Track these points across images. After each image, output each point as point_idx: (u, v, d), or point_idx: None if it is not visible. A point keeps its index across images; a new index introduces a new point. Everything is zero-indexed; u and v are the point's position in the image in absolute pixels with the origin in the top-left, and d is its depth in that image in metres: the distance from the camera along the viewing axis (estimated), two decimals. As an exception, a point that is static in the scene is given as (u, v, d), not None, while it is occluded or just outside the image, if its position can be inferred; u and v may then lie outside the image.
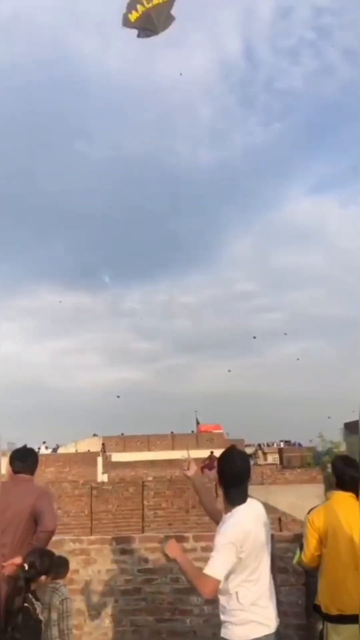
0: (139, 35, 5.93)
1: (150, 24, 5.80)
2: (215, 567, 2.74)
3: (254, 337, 47.25)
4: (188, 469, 3.47)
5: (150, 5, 5.65)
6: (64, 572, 4.16)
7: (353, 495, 3.48)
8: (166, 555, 2.89)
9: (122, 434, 44.90)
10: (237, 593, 2.80)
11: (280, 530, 13.58)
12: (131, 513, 18.85)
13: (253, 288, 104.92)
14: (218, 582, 2.73)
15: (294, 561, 3.98)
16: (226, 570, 2.76)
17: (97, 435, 44.03)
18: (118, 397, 50.85)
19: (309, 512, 3.60)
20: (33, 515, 3.66)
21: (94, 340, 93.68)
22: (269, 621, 2.86)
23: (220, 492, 2.99)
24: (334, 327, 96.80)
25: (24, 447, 4.39)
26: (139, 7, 5.69)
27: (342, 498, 3.53)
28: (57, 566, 3.75)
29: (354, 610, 3.18)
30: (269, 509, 18.66)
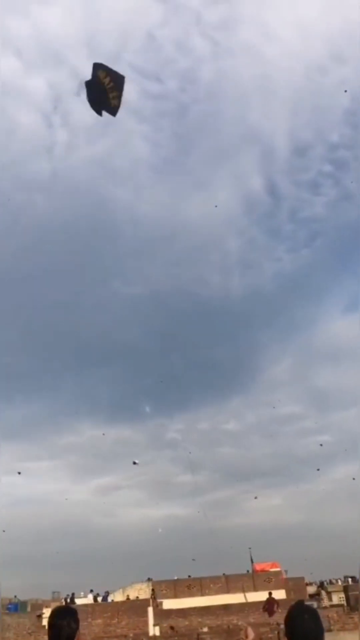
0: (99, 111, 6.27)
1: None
2: None
3: (318, 469, 44.83)
4: (246, 637, 3.29)
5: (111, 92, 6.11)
6: None
7: None
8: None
9: (165, 579, 42.15)
10: None
11: None
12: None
13: (296, 410, 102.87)
14: None
15: None
16: None
17: (150, 580, 41.44)
18: (160, 530, 48.59)
19: None
20: None
21: (138, 474, 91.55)
22: None
23: None
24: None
25: (65, 606, 4.07)
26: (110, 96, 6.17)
27: None
28: None
29: None
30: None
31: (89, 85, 6.37)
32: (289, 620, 2.77)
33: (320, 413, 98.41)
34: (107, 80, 6.19)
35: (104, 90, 6.17)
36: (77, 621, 3.29)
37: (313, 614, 2.79)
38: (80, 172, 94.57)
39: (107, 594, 39.76)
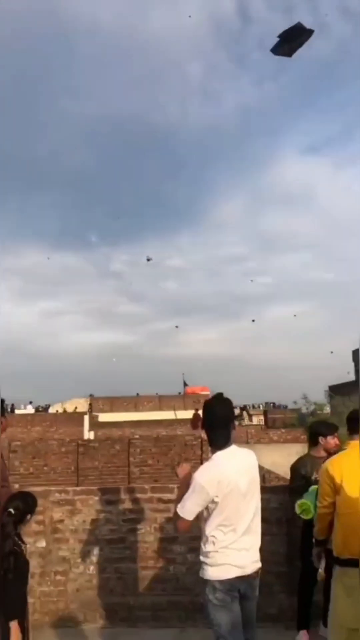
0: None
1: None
2: (185, 509, 2.91)
3: (253, 321, 46.73)
4: (181, 471, 3.21)
5: None
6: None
7: None
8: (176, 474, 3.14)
9: (103, 396, 45.22)
10: (213, 536, 2.92)
11: (264, 487, 13.86)
12: (117, 470, 19.16)
13: (242, 251, 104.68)
14: (188, 521, 2.92)
15: (297, 511, 4.16)
16: (195, 511, 2.91)
17: (91, 396, 44.27)
18: (114, 360, 51.03)
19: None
20: None
21: (82, 302, 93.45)
22: (244, 564, 2.95)
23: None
24: (322, 292, 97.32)
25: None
26: None
27: (358, 446, 3.57)
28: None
29: None
30: (253, 467, 19.06)
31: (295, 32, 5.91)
32: (205, 406, 3.11)
33: (264, 256, 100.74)
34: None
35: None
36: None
37: (225, 400, 3.12)
38: None
39: (47, 406, 42.61)
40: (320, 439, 4.52)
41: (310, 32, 5.76)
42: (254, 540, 3.03)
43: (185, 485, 3.00)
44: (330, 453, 4.50)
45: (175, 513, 2.98)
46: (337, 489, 3.50)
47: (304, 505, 4.14)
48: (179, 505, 2.94)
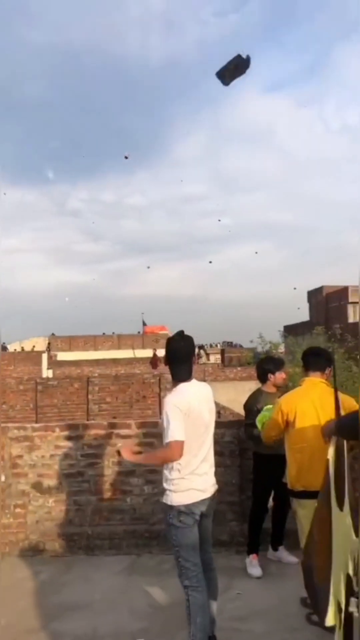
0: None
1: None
2: (174, 432, 2.96)
3: (210, 262, 46.57)
4: (120, 455, 3.62)
5: None
6: None
7: (324, 380, 3.73)
8: (119, 453, 3.27)
9: (62, 335, 44.98)
10: (179, 464, 3.04)
11: (219, 422, 14.31)
12: (76, 407, 19.36)
13: (201, 190, 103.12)
14: (181, 442, 2.96)
15: (258, 426, 4.27)
16: (183, 430, 2.97)
17: (53, 335, 43.89)
18: (66, 299, 50.42)
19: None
20: None
21: (39, 239, 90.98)
22: (205, 488, 3.15)
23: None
24: (279, 232, 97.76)
25: None
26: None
27: (313, 383, 3.71)
28: None
29: (318, 487, 3.43)
30: (209, 404, 19.58)
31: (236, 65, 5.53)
32: (168, 342, 3.22)
33: (223, 195, 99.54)
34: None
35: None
36: None
37: (187, 337, 3.22)
38: None
39: (4, 345, 42.14)
40: (269, 375, 4.65)
41: (248, 62, 5.99)
42: (211, 465, 3.23)
43: (141, 458, 3.29)
44: (278, 387, 4.66)
45: (162, 451, 3.05)
46: (289, 424, 3.67)
47: (263, 419, 4.23)
48: (166, 437, 2.97)
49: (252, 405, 4.60)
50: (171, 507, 3.08)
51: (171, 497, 3.08)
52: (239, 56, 6.24)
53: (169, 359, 3.18)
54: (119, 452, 3.34)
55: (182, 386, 3.13)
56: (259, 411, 4.43)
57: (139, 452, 3.55)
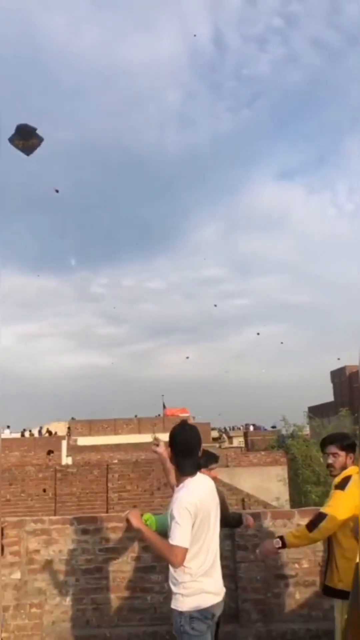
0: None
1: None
2: (179, 536, 2.77)
3: (215, 305, 46.91)
4: (157, 445, 3.49)
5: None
6: None
7: None
8: (128, 522, 3.03)
9: (82, 419, 44.69)
10: (188, 567, 2.85)
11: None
12: (95, 496, 18.87)
13: (219, 273, 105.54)
14: (185, 549, 2.77)
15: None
16: (189, 537, 2.79)
17: (73, 419, 43.66)
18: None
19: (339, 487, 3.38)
20: None
21: (61, 324, 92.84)
22: (218, 590, 2.97)
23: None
24: (297, 314, 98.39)
25: None
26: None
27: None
28: None
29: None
30: (233, 490, 18.96)
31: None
32: (173, 432, 3.04)
33: (241, 277, 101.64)
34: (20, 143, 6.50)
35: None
36: None
37: (192, 427, 3.08)
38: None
39: (24, 431, 41.88)
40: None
41: (41, 139, 6.42)
42: (219, 565, 3.04)
43: (148, 532, 2.96)
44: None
45: (167, 548, 2.81)
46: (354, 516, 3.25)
47: (148, 521, 3.81)
48: (171, 539, 2.78)
49: None
50: (182, 612, 2.85)
51: (182, 602, 2.86)
52: (24, 125, 6.67)
53: (177, 451, 2.99)
54: (127, 520, 3.08)
55: (190, 482, 2.94)
56: None
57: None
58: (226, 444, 43.15)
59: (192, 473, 2.97)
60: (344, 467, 3.42)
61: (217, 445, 38.95)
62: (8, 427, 39.53)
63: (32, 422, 45.83)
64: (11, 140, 6.56)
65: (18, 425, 41.78)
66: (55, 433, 39.22)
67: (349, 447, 3.46)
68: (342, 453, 3.44)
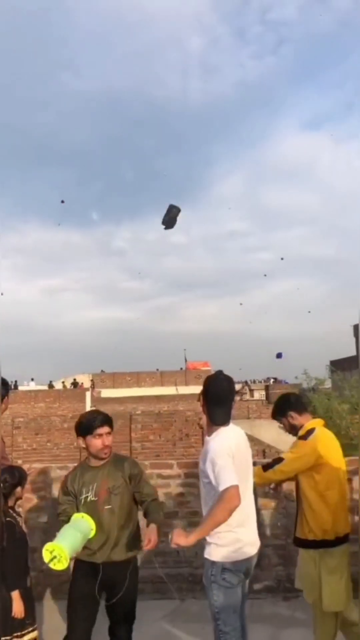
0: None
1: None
2: (227, 477, 2.63)
3: (241, 304, 46.74)
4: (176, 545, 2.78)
5: None
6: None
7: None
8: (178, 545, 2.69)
9: (105, 371, 45.31)
10: None
11: (264, 461, 14.01)
12: (119, 446, 19.33)
13: (243, 227, 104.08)
14: (237, 487, 2.62)
15: (46, 559, 3.05)
16: (236, 474, 2.66)
17: (102, 372, 44.33)
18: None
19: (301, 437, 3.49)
20: None
21: (84, 279, 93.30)
22: (254, 541, 2.91)
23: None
24: (322, 267, 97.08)
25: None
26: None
27: (322, 425, 3.61)
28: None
29: (346, 530, 3.38)
30: (254, 441, 19.21)
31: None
32: (207, 381, 3.03)
33: (264, 231, 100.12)
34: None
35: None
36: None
37: (228, 378, 3.06)
38: None
39: (50, 382, 42.81)
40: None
41: (178, 209, 8.02)
42: (254, 515, 2.99)
43: (197, 535, 2.65)
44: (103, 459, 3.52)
45: (219, 503, 2.60)
46: (318, 466, 3.38)
47: (55, 551, 2.98)
48: (220, 485, 2.62)
49: (67, 486, 3.46)
50: (214, 562, 2.76)
51: (216, 552, 2.76)
52: (172, 206, 8.03)
53: (209, 401, 2.94)
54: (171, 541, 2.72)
55: (223, 431, 2.89)
56: (74, 494, 3.37)
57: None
58: (247, 397, 43.55)
59: (224, 422, 2.91)
60: (302, 425, 3.54)
61: (239, 397, 39.36)
62: (32, 379, 40.43)
63: (56, 374, 46.71)
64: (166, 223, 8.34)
65: (45, 378, 42.70)
66: (82, 384, 40.02)
67: (302, 407, 3.65)
68: (297, 415, 3.57)
